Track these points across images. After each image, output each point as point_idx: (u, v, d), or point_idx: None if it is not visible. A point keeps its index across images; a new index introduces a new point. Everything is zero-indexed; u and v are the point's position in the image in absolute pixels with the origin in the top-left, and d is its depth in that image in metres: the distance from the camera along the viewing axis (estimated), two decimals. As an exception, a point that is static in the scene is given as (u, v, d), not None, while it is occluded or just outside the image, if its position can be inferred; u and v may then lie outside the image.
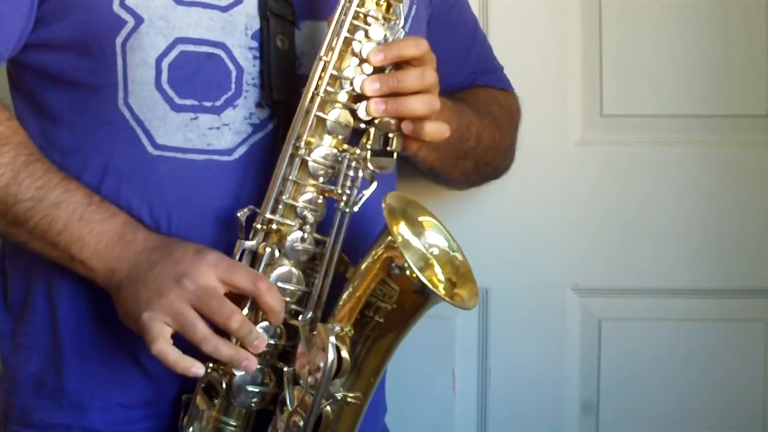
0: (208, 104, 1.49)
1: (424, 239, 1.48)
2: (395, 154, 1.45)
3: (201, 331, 1.37)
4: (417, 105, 1.43)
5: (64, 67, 1.50)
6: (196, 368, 1.38)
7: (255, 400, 1.45)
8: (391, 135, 1.43)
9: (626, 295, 2.11)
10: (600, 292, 2.12)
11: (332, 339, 1.36)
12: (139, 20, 1.46)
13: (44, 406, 1.54)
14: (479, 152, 1.74)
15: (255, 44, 1.51)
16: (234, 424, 1.47)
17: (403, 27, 1.49)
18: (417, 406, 2.09)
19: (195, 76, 1.49)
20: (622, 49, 2.09)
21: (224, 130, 1.50)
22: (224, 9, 1.49)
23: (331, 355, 1.35)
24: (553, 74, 2.09)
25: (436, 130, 1.46)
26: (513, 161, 1.91)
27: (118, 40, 1.46)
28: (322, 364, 1.36)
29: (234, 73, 1.50)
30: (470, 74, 1.87)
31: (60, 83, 1.51)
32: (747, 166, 2.09)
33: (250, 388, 1.44)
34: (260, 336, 1.40)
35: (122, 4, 1.46)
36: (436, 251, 1.48)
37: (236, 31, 1.50)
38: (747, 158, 2.09)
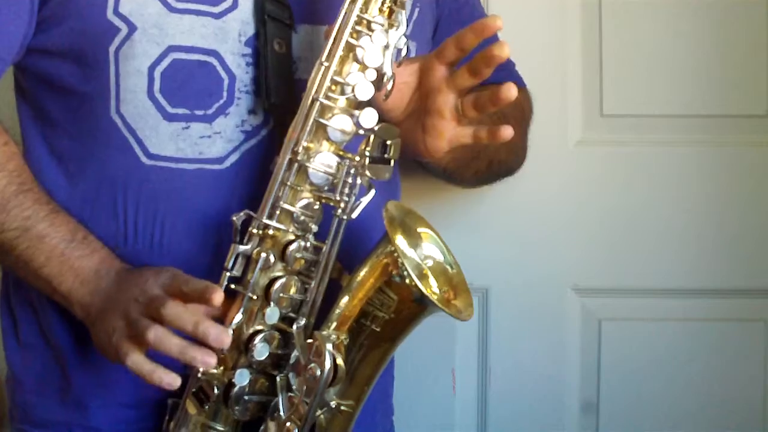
0: (199, 113, 1.49)
1: (420, 250, 1.48)
2: (392, 162, 1.44)
3: (152, 332, 1.36)
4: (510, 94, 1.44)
5: (61, 73, 1.51)
6: (170, 380, 1.37)
7: (249, 410, 1.46)
8: (389, 142, 1.43)
9: (626, 295, 2.12)
10: (600, 292, 2.12)
11: (329, 347, 1.36)
12: (132, 28, 1.46)
13: (46, 404, 1.56)
14: (492, 151, 1.73)
15: (248, 51, 1.51)
16: (222, 429, 1.46)
17: (405, 31, 1.49)
18: (417, 406, 2.09)
19: (187, 84, 1.49)
20: (622, 49, 2.08)
21: (216, 139, 1.50)
22: (217, 16, 1.49)
23: (328, 363, 1.35)
24: (553, 74, 2.09)
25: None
26: (525, 158, 1.90)
27: (111, 48, 1.46)
28: (318, 372, 1.36)
29: (226, 81, 1.50)
30: None
31: (57, 89, 1.52)
32: (747, 166, 2.10)
33: (248, 398, 1.44)
34: (218, 331, 1.36)
35: (116, 12, 1.46)
36: (430, 263, 1.48)
37: (229, 38, 1.49)
38: (747, 158, 2.09)
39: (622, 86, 2.09)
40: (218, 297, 1.36)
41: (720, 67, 2.08)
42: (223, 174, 1.50)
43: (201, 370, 1.42)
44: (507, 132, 1.45)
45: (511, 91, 1.41)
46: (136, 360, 1.38)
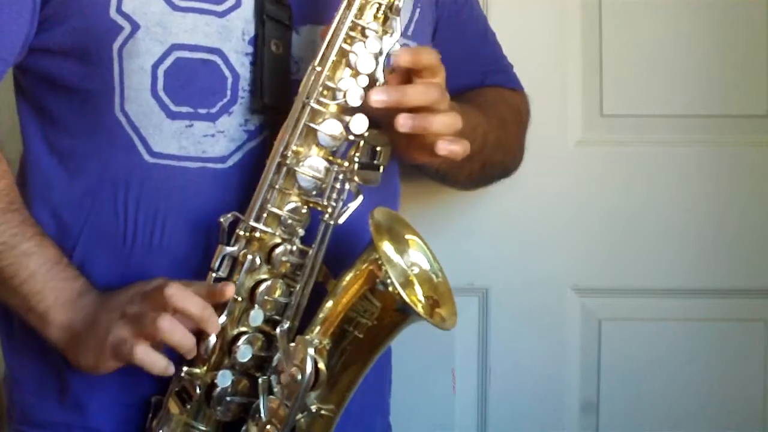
0: (203, 111, 1.49)
1: (407, 257, 1.48)
2: (381, 168, 1.44)
3: (165, 320, 1.39)
4: (440, 126, 1.43)
5: (64, 72, 1.51)
6: (168, 366, 1.42)
7: (230, 410, 1.47)
8: (378, 148, 1.43)
9: (626, 295, 2.11)
10: (600, 292, 2.11)
11: (311, 351, 1.36)
12: (135, 26, 1.46)
13: (45, 405, 1.56)
14: (486, 154, 1.72)
15: (251, 50, 1.51)
16: (204, 429, 1.47)
17: (406, 31, 1.49)
18: (417, 406, 2.09)
19: (190, 83, 1.49)
20: (622, 49, 2.08)
21: (219, 137, 1.50)
22: (221, 14, 1.49)
23: (309, 367, 1.35)
24: (553, 74, 2.09)
25: (461, 150, 1.46)
26: (521, 160, 1.90)
27: (115, 46, 1.47)
28: (300, 377, 1.36)
29: (230, 80, 1.50)
30: (480, 74, 1.86)
31: (59, 88, 1.52)
32: (747, 166, 2.09)
33: (230, 399, 1.45)
34: (216, 319, 1.41)
35: (119, 10, 1.46)
36: (416, 270, 1.48)
37: (233, 36, 1.50)
38: (747, 158, 2.09)
39: (622, 86, 2.09)
40: (230, 290, 1.41)
41: (720, 67, 2.08)
42: (225, 173, 1.51)
43: (184, 369, 1.44)
44: (439, 148, 1.44)
45: (399, 122, 1.41)
46: (146, 351, 1.40)
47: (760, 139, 2.08)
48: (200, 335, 1.42)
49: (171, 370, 1.42)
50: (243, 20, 1.50)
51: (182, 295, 1.39)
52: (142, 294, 1.43)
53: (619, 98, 2.09)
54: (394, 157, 1.50)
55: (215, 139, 1.50)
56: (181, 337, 1.39)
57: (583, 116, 2.10)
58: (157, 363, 1.41)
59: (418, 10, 1.67)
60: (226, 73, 1.50)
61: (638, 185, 2.10)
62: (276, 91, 1.50)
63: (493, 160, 1.78)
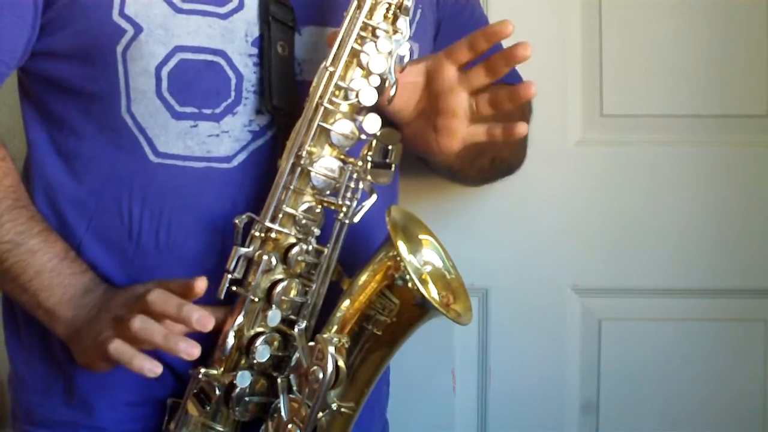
0: (207, 112, 1.49)
1: (420, 256, 1.49)
2: (393, 167, 1.44)
3: (137, 320, 1.38)
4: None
5: (68, 75, 1.51)
6: (150, 366, 1.38)
7: (249, 410, 1.47)
8: (390, 147, 1.43)
9: (626, 295, 2.11)
10: (600, 292, 2.12)
11: (332, 350, 1.37)
12: (138, 29, 1.46)
13: (51, 405, 1.56)
14: (495, 149, 1.74)
15: (255, 51, 1.51)
16: (222, 429, 1.48)
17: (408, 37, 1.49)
18: (417, 406, 2.09)
19: (194, 83, 1.49)
20: (622, 49, 2.08)
21: (224, 138, 1.50)
22: (224, 16, 1.49)
23: (330, 366, 1.36)
24: (553, 74, 2.08)
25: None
26: (525, 156, 1.90)
27: (119, 49, 1.47)
28: (321, 375, 1.37)
29: (234, 81, 1.50)
30: None
31: (64, 90, 1.52)
32: (747, 166, 2.09)
33: (248, 399, 1.45)
34: (201, 314, 1.38)
35: (122, 13, 1.46)
36: (429, 268, 1.49)
37: (236, 38, 1.50)
38: (747, 158, 2.09)
39: (622, 86, 2.09)
40: (201, 284, 1.39)
41: (720, 67, 2.08)
42: (230, 173, 1.51)
43: (202, 370, 1.44)
44: (522, 128, 1.46)
45: (531, 89, 1.43)
46: (118, 345, 1.39)
47: (760, 139, 2.08)
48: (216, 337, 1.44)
49: (157, 370, 1.38)
50: (246, 22, 1.50)
51: (160, 300, 1.39)
52: (134, 298, 1.44)
53: (619, 98, 2.09)
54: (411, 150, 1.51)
55: (220, 139, 1.50)
56: (154, 335, 1.37)
57: (583, 116, 2.10)
58: (134, 359, 1.38)
59: (419, 11, 1.68)
60: (230, 74, 1.50)
61: (638, 185, 2.10)
62: (283, 92, 1.51)
63: (502, 155, 1.80)
